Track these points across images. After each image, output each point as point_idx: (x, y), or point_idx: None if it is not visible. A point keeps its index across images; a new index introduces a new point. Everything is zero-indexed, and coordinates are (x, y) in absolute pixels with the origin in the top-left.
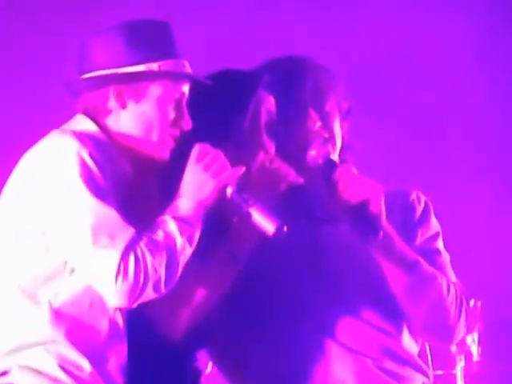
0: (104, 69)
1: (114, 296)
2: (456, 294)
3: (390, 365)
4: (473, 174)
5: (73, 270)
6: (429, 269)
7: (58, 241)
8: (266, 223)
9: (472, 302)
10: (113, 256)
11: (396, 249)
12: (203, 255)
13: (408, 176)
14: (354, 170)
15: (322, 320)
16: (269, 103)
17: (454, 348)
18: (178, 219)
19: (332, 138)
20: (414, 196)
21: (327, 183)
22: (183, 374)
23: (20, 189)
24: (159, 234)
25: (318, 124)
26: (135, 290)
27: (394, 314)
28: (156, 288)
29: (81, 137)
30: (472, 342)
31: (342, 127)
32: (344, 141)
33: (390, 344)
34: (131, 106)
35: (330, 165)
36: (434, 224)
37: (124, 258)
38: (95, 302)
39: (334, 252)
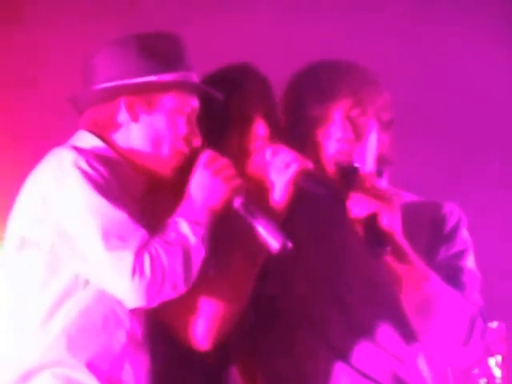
0: (113, 81)
1: (132, 296)
2: (470, 315)
3: None
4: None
5: (87, 283)
6: (440, 286)
7: (67, 253)
8: (270, 239)
9: (496, 324)
10: (126, 256)
11: (406, 263)
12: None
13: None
14: (373, 181)
15: (336, 341)
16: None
17: (476, 370)
18: (190, 220)
19: (363, 151)
20: (447, 209)
21: (344, 189)
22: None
23: (23, 212)
24: (172, 235)
25: (351, 135)
26: (153, 287)
27: (408, 336)
28: (175, 286)
29: (80, 151)
30: (495, 364)
31: (379, 138)
32: (382, 153)
33: (402, 371)
34: (143, 118)
35: (350, 171)
36: (463, 240)
37: (138, 257)
38: (108, 314)
39: (348, 266)
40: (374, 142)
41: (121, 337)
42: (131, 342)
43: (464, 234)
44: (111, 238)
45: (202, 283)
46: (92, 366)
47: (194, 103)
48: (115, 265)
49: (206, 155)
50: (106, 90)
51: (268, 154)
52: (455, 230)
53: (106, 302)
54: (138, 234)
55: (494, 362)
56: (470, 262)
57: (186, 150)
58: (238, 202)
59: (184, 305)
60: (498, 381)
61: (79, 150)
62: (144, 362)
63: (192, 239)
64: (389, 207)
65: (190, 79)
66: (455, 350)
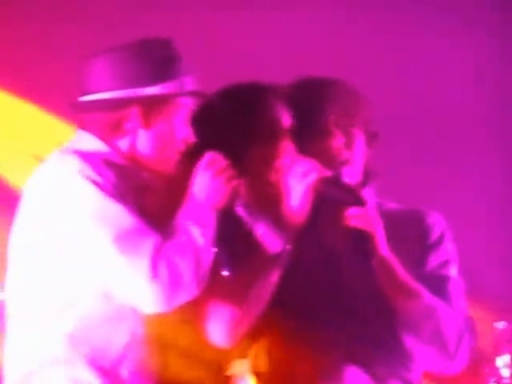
0: (123, 89)
1: (150, 301)
2: (458, 330)
3: None
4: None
5: (102, 290)
6: (430, 300)
7: (80, 258)
8: (269, 241)
9: (502, 324)
10: (142, 263)
11: (395, 278)
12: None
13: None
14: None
15: (346, 346)
16: (282, 116)
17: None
18: (198, 223)
19: (352, 160)
20: (432, 219)
21: (336, 207)
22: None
23: (32, 216)
24: (182, 239)
25: (341, 143)
26: (170, 292)
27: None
28: (189, 290)
29: (84, 156)
30: (503, 364)
31: (366, 152)
32: (368, 165)
33: (402, 372)
34: (153, 126)
35: (345, 191)
36: (448, 250)
37: (154, 263)
38: (113, 313)
39: (351, 278)
40: (361, 154)
41: (122, 335)
42: (133, 341)
43: (449, 244)
44: (125, 245)
45: (221, 283)
46: (94, 364)
47: (191, 103)
48: (132, 271)
49: (207, 157)
50: (118, 99)
51: (287, 163)
52: (441, 240)
53: (111, 302)
54: (151, 239)
55: (502, 362)
56: (454, 271)
57: (183, 148)
58: (238, 204)
59: (205, 303)
60: (506, 380)
61: (83, 156)
62: (141, 356)
63: (202, 242)
64: (379, 230)
65: (192, 85)
66: (442, 362)
